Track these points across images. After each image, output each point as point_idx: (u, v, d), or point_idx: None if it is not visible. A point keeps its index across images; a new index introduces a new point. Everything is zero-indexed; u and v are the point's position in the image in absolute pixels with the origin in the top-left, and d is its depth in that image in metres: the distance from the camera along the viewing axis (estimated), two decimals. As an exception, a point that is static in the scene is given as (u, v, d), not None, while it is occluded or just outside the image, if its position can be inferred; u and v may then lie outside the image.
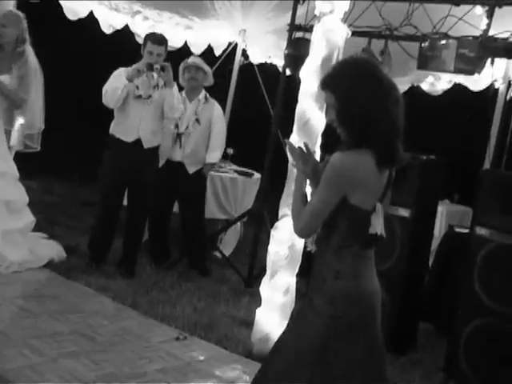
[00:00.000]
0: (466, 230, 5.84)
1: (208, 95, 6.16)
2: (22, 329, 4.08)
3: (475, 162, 7.16)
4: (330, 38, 4.21)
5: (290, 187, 4.10)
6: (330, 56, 4.18)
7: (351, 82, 2.37)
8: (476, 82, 6.52)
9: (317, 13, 4.29)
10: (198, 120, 6.04)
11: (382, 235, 2.43)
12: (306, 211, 2.42)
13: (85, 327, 4.31)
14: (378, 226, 2.40)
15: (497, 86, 6.63)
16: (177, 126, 5.99)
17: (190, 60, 6.11)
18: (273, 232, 4.37)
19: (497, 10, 4.64)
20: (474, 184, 4.48)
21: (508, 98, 6.59)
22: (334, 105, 2.40)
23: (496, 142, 6.43)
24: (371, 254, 2.50)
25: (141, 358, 4.01)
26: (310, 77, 4.24)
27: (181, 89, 6.01)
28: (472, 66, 4.52)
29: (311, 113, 4.21)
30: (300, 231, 2.48)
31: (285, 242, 4.24)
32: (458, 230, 5.70)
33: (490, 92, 6.64)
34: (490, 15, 4.66)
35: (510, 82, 6.53)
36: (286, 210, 4.22)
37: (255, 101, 7.99)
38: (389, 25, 5.22)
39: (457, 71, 4.61)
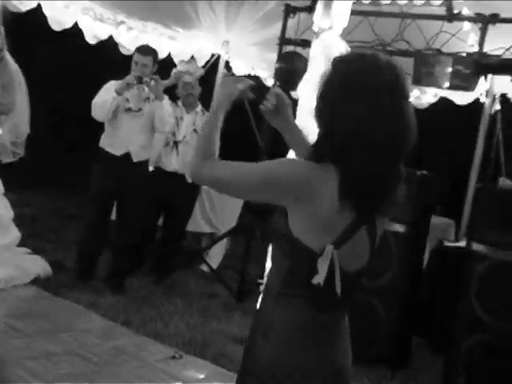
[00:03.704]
0: (454, 244, 5.91)
1: (203, 109, 6.15)
2: (14, 349, 3.95)
3: (458, 175, 7.22)
4: (329, 54, 4.20)
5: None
6: (328, 72, 4.19)
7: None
8: (462, 96, 6.55)
9: (315, 29, 4.29)
10: (195, 130, 6.03)
11: (333, 290, 1.74)
12: (230, 163, 1.84)
13: (78, 347, 4.20)
14: (322, 275, 1.72)
15: (482, 100, 6.68)
16: (173, 134, 5.96)
17: (186, 79, 6.11)
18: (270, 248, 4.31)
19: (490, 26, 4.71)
20: (462, 198, 4.50)
21: (492, 112, 6.66)
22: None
23: (482, 156, 6.50)
24: (336, 323, 1.84)
25: (138, 378, 3.92)
26: (308, 93, 4.23)
27: (177, 97, 6.09)
28: (467, 82, 4.55)
29: (310, 129, 4.17)
30: (192, 165, 1.87)
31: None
32: (446, 243, 5.73)
33: (476, 106, 6.70)
34: (483, 32, 4.71)
35: (494, 96, 6.59)
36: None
37: (238, 113, 7.92)
38: (381, 40, 5.23)
39: (452, 87, 4.64)
